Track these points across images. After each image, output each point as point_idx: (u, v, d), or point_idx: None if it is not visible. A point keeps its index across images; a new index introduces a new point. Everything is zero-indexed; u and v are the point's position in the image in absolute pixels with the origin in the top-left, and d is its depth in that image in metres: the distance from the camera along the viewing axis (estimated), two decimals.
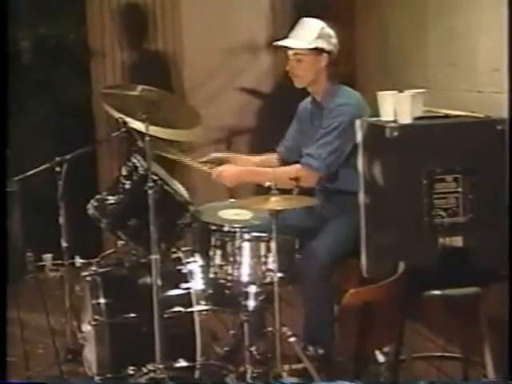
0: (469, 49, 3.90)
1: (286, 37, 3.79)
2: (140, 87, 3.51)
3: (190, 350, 3.57)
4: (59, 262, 3.97)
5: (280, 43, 3.77)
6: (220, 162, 3.94)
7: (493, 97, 3.59)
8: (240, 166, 3.89)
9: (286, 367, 3.41)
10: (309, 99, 3.92)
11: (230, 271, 3.55)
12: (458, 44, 4.00)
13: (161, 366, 3.41)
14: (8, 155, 4.65)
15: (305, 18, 3.77)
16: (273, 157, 4.08)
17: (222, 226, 3.64)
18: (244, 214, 3.85)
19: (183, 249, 3.79)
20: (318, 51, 3.72)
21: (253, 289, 3.54)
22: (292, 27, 3.79)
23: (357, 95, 3.79)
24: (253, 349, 3.55)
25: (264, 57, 5.54)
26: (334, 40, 3.75)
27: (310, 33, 3.71)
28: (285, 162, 3.99)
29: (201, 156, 3.96)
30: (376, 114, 3.33)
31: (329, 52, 3.74)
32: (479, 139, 3.12)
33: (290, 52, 3.76)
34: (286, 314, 3.47)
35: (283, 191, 3.50)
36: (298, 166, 3.75)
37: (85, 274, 3.68)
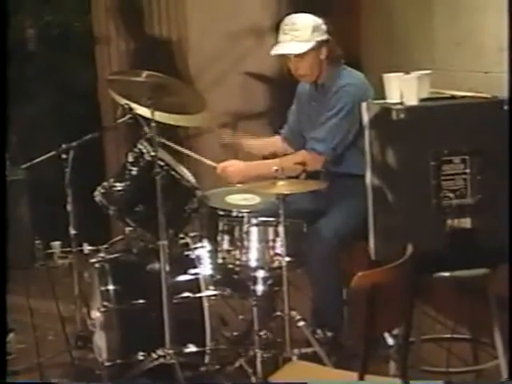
0: (475, 29, 3.87)
1: (277, 41, 3.72)
2: (145, 73, 3.51)
3: (199, 335, 3.58)
4: (68, 249, 3.98)
5: (280, 52, 3.69)
6: (226, 146, 3.94)
7: (499, 77, 3.57)
8: (245, 161, 3.86)
9: (296, 351, 3.41)
10: None
11: (238, 256, 3.55)
12: (464, 24, 3.98)
13: (170, 352, 3.43)
14: (15, 143, 4.68)
15: (293, 16, 3.70)
16: (277, 139, 4.07)
17: (230, 210, 3.64)
18: (251, 199, 3.85)
19: (191, 234, 3.79)
20: (317, 44, 3.69)
21: (261, 273, 3.54)
22: (277, 29, 3.73)
23: (360, 75, 3.78)
24: (262, 333, 3.55)
25: (269, 40, 5.50)
26: (324, 26, 3.70)
27: (304, 31, 3.65)
28: (290, 144, 3.99)
29: (206, 141, 3.96)
30: (382, 96, 3.31)
31: (326, 41, 3.71)
32: (486, 120, 3.11)
33: (291, 55, 3.70)
34: (294, 298, 3.48)
35: (290, 176, 3.49)
36: (303, 151, 3.74)
37: (93, 260, 3.68)
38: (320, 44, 3.69)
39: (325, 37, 3.70)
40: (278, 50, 3.72)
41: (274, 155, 3.89)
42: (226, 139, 4.01)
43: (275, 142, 4.06)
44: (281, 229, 3.41)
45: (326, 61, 3.73)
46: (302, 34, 3.66)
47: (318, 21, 3.70)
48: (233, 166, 3.80)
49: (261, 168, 3.77)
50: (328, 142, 3.67)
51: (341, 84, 3.69)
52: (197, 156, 3.99)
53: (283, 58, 3.80)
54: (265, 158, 3.97)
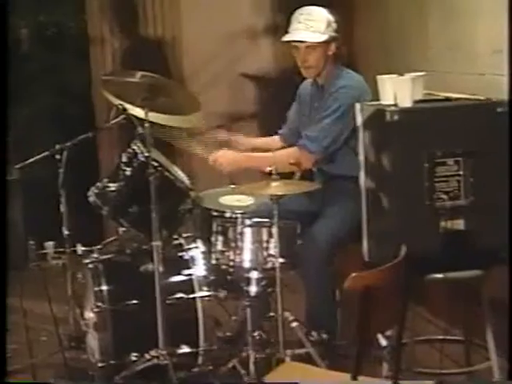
0: (469, 31, 3.88)
1: (286, 31, 3.75)
2: (139, 73, 3.51)
3: (192, 336, 3.58)
4: (61, 249, 3.97)
5: (296, 39, 3.70)
6: (222, 144, 3.94)
7: (493, 79, 3.58)
8: (238, 152, 3.86)
9: (289, 352, 3.41)
10: (309, 80, 3.90)
11: (231, 257, 3.54)
12: (458, 26, 3.98)
13: (164, 352, 3.43)
14: (9, 143, 4.66)
15: (309, 7, 3.72)
16: (275, 139, 4.07)
17: (224, 211, 3.65)
18: (245, 200, 3.85)
19: (185, 235, 3.79)
20: (329, 39, 3.70)
21: (255, 274, 3.54)
22: (289, 17, 3.75)
23: (359, 77, 3.79)
24: (255, 334, 3.55)
25: (264, 42, 5.52)
26: (335, 24, 3.73)
27: (320, 23, 3.67)
28: (287, 145, 3.99)
29: (201, 141, 3.95)
30: (376, 97, 3.32)
31: (336, 38, 3.72)
32: (480, 122, 3.12)
33: (302, 44, 3.73)
34: (288, 299, 3.47)
35: (284, 176, 3.50)
36: (295, 147, 3.75)
37: (87, 261, 3.68)
38: (331, 40, 3.71)
39: (336, 34, 3.71)
40: (292, 36, 3.71)
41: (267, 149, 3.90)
42: (221, 138, 4.00)
43: (272, 143, 4.05)
44: (274, 230, 3.41)
45: (331, 58, 3.74)
46: (317, 25, 3.67)
47: (331, 17, 3.71)
48: (224, 157, 3.78)
49: (253, 160, 3.77)
50: (319, 141, 3.67)
51: (339, 85, 3.70)
52: (188, 146, 3.95)
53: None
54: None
